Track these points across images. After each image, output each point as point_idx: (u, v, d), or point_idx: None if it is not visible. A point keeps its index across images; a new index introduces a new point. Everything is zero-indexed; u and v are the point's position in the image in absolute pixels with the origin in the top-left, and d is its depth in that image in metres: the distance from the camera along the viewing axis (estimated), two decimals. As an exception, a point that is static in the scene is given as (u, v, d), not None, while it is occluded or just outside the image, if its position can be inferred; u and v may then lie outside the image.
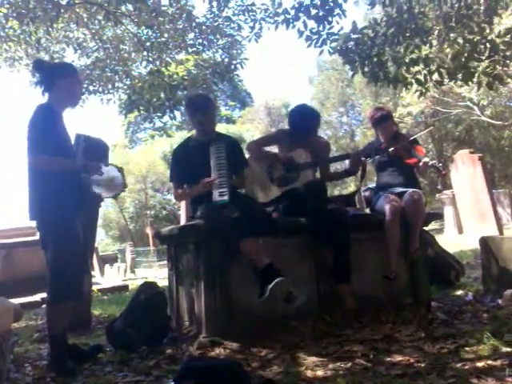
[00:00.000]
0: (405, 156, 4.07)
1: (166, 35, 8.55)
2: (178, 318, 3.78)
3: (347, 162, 4.25)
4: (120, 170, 3.37)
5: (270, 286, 3.00)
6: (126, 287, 8.06)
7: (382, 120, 4.24)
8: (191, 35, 8.76)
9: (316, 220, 3.54)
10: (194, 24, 8.54)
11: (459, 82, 6.53)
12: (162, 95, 8.40)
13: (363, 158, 4.01)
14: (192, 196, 3.59)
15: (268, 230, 3.32)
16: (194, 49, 8.83)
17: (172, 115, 8.93)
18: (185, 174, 3.61)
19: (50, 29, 7.91)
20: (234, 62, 8.78)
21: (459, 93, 16.89)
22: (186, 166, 3.61)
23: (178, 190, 3.66)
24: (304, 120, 4.06)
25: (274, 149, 4.20)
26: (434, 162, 4.09)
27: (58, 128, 3.05)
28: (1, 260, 7.82)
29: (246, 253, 3.19)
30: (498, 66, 5.73)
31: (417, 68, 6.07)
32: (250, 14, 7.93)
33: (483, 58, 5.73)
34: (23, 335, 4.20)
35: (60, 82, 3.09)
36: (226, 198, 3.37)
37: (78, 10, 8.14)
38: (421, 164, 4.02)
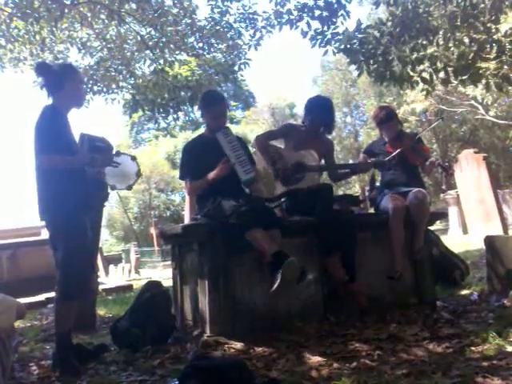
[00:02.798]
0: (411, 156, 4.06)
1: (168, 35, 8.55)
2: (183, 317, 3.78)
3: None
4: (133, 158, 3.35)
5: (280, 270, 2.96)
6: (130, 287, 8.07)
7: (387, 119, 4.22)
8: (191, 39, 8.75)
9: (323, 225, 3.52)
10: (194, 28, 8.53)
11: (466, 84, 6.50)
12: (166, 95, 8.39)
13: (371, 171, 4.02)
14: (212, 182, 3.49)
15: (273, 222, 3.30)
16: (195, 52, 8.82)
17: (176, 115, 8.93)
18: (199, 170, 3.54)
19: (54, 28, 7.93)
20: (238, 62, 8.77)
21: (463, 92, 16.84)
22: (200, 161, 3.56)
23: (193, 182, 3.60)
24: (326, 112, 4.09)
25: (281, 143, 4.19)
26: (440, 161, 4.07)
27: (63, 129, 3.06)
28: (6, 260, 7.84)
29: (253, 242, 3.16)
30: (505, 66, 5.70)
31: (422, 67, 6.05)
32: (251, 21, 7.93)
33: (490, 57, 5.70)
34: (28, 335, 4.21)
35: (65, 84, 3.10)
36: (252, 174, 3.50)
37: (81, 10, 8.15)
38: (428, 163, 4.01)
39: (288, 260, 2.99)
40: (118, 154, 3.28)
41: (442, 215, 5.49)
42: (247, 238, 3.15)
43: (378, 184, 4.43)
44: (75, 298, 3.02)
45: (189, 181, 3.66)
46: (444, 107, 18.91)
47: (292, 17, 6.51)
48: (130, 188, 3.39)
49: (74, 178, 2.99)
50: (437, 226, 11.29)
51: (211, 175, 3.47)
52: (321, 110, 4.10)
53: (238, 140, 3.69)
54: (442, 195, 14.75)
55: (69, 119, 3.17)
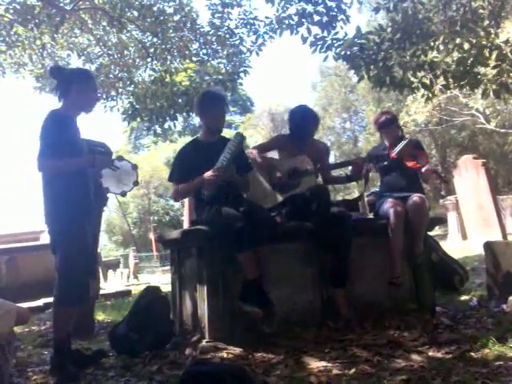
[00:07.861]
0: (408, 161, 4.06)
1: (170, 43, 8.54)
2: (181, 322, 3.76)
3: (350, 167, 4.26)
4: (134, 167, 3.33)
5: (248, 308, 3.11)
6: (128, 292, 8.05)
7: (387, 124, 4.23)
8: (196, 45, 8.75)
9: (319, 223, 3.52)
10: (198, 33, 8.53)
11: (465, 91, 6.55)
12: (165, 104, 8.37)
13: (366, 166, 4.00)
14: (200, 186, 3.40)
15: (270, 238, 3.25)
16: (199, 58, 8.81)
17: (172, 123, 8.89)
18: (189, 174, 3.45)
19: (55, 34, 7.94)
20: (238, 71, 8.76)
21: (465, 102, 16.89)
22: (195, 165, 3.45)
23: (178, 186, 3.54)
24: (305, 122, 4.06)
25: (275, 154, 4.18)
26: (436, 167, 4.09)
27: (68, 134, 3.03)
28: (4, 265, 7.83)
29: (241, 263, 3.17)
30: (504, 75, 5.72)
31: (423, 73, 6.07)
32: (252, 27, 7.95)
33: (490, 64, 5.72)
34: (26, 340, 4.20)
35: (76, 88, 3.08)
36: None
37: (82, 16, 8.16)
38: (423, 170, 4.01)
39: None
40: (121, 159, 3.27)
41: (441, 220, 5.49)
42: (237, 257, 3.16)
43: (377, 189, 4.43)
44: (73, 305, 2.97)
45: (175, 184, 3.60)
46: (445, 117, 18.92)
47: (292, 22, 6.53)
48: (124, 194, 3.38)
49: (77, 181, 2.99)
50: (436, 231, 11.30)
51: (197, 180, 3.38)
52: (297, 119, 4.09)
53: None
54: (441, 201, 14.75)
55: (78, 124, 3.16)
